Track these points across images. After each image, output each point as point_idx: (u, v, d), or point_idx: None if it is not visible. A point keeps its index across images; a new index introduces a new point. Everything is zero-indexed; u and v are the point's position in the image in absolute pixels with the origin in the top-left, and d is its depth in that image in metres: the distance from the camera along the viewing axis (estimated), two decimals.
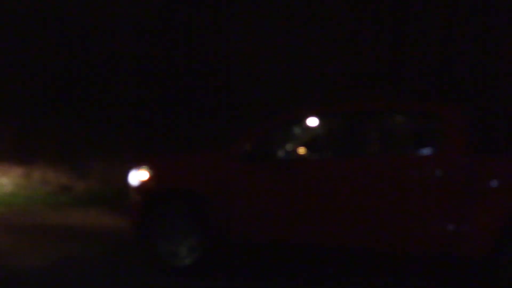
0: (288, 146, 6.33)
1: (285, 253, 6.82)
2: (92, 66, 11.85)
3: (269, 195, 6.25)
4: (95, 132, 11.63)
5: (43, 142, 11.35)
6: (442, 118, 5.82)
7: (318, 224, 6.08)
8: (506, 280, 5.46)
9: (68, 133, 11.55)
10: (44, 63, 11.66)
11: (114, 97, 11.61)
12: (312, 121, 6.36)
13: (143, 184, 6.63)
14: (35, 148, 11.35)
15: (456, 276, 6.31)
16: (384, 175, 5.89)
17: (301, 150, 6.31)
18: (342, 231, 6.02)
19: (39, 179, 11.18)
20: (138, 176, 6.66)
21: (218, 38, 11.40)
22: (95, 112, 11.74)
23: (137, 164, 6.76)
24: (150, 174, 6.61)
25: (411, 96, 9.19)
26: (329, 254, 6.55)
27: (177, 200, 6.60)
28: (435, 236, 5.69)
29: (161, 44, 11.74)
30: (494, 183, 5.54)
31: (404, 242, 5.82)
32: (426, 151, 5.91)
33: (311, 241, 6.23)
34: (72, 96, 11.82)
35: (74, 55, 11.84)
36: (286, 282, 6.33)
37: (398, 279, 6.38)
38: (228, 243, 6.48)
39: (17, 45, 11.77)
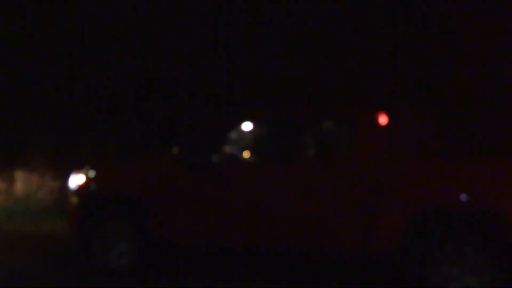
0: (217, 151, 6.36)
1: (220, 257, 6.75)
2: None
3: (197, 200, 6.30)
4: (130, 148, 11.95)
5: (78, 157, 11.80)
6: (356, 123, 5.91)
7: (244, 228, 6.11)
8: (413, 281, 5.38)
9: (102, 148, 11.95)
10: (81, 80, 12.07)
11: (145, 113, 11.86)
12: (240, 127, 6.42)
13: (81, 188, 6.78)
14: (70, 163, 11.82)
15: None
16: (301, 179, 5.97)
17: (229, 155, 6.36)
18: (269, 235, 6.04)
19: None
20: (76, 180, 6.82)
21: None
22: (130, 128, 12.08)
23: (76, 169, 6.93)
24: (87, 178, 6.77)
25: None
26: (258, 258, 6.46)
27: (112, 203, 6.69)
28: (347, 238, 5.69)
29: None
30: (400, 187, 5.55)
31: (321, 245, 5.83)
32: (340, 155, 5.99)
33: (238, 245, 6.22)
34: (106, 111, 12.17)
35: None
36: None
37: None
38: (162, 247, 6.53)
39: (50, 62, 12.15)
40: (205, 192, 6.29)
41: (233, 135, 6.42)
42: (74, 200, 6.83)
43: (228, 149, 6.39)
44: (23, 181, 11.55)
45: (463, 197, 5.23)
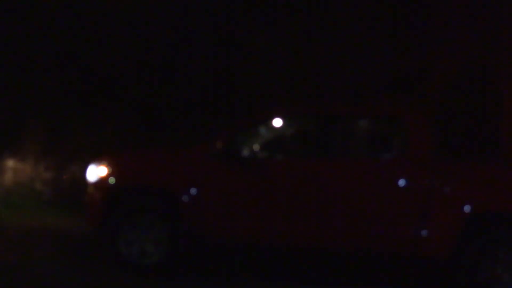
0: (257, 146, 6.23)
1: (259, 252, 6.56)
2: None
3: (236, 194, 6.08)
4: (126, 136, 11.35)
5: (72, 146, 11.22)
6: (405, 122, 5.88)
7: (282, 224, 5.96)
8: (467, 280, 5.51)
9: (97, 136, 11.37)
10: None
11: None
12: (279, 122, 6.29)
13: (102, 180, 6.33)
14: (63, 152, 11.22)
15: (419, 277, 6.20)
16: (347, 178, 5.90)
17: (268, 150, 6.23)
18: (307, 232, 5.93)
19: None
20: (96, 172, 6.37)
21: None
22: (126, 114, 11.46)
23: (96, 160, 6.48)
24: (111, 170, 6.32)
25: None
26: (294, 254, 6.35)
27: (144, 197, 6.31)
28: (400, 237, 5.69)
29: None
30: (454, 187, 5.61)
31: (369, 243, 5.80)
32: (389, 155, 5.94)
33: (276, 242, 6.07)
34: (101, 96, 11.57)
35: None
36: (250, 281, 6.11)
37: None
38: (196, 241, 6.26)
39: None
40: (247, 187, 6.05)
41: (276, 130, 6.28)
42: (96, 193, 6.36)
43: (271, 144, 6.24)
44: (14, 171, 10.92)
45: None
